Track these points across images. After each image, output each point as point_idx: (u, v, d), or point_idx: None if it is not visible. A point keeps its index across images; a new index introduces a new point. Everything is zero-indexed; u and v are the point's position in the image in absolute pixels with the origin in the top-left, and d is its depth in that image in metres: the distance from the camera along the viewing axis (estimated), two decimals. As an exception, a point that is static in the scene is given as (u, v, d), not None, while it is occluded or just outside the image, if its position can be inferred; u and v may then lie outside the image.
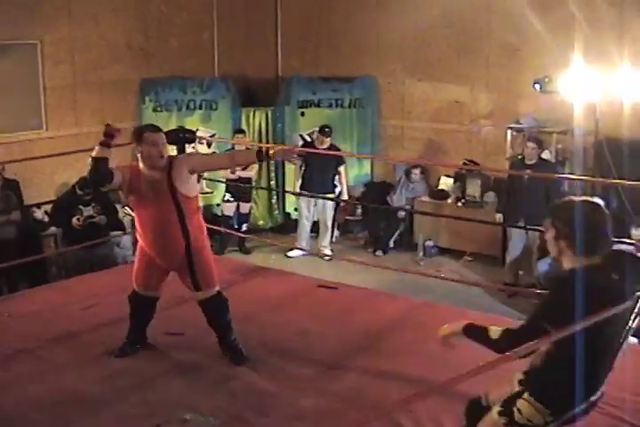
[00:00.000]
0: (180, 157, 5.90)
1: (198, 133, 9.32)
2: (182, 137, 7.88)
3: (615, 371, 3.81)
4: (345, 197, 11.20)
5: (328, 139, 10.97)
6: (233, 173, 11.03)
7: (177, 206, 5.54)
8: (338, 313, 6.59)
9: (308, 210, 11.20)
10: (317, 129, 11.26)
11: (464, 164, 10.80)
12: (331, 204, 11.14)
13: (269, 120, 12.35)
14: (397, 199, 11.44)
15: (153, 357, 5.87)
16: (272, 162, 12.26)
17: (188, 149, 8.92)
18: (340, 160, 11.06)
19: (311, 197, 10.89)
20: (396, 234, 11.46)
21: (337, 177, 11.16)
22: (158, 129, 5.68)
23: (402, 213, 11.37)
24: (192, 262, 5.63)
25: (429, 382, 5.23)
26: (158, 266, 5.80)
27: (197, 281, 5.67)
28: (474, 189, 10.85)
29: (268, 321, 6.53)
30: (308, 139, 11.87)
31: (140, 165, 5.59)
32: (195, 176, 5.77)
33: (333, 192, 11.17)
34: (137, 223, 5.78)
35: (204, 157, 6.69)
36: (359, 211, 12.02)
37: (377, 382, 5.21)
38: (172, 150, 8.77)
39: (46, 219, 9.93)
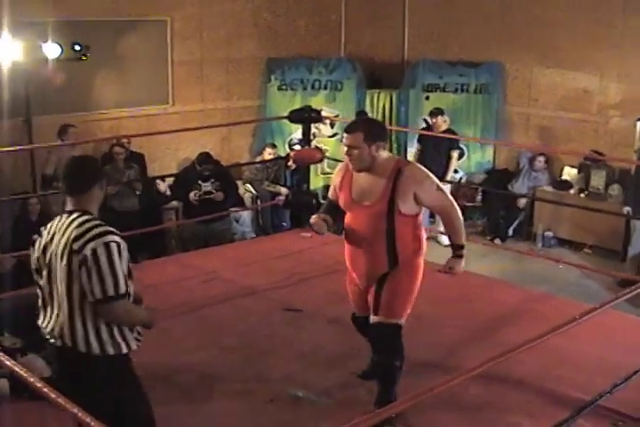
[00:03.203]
0: (412, 172, 4.57)
1: (322, 113, 9.32)
2: (307, 117, 7.89)
3: None
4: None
5: (439, 118, 10.80)
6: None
7: (389, 223, 4.55)
8: (455, 299, 6.52)
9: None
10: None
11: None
12: (447, 188, 10.95)
13: (393, 103, 12.29)
14: (519, 188, 11.26)
15: (269, 333, 5.91)
16: (395, 146, 12.19)
17: (313, 128, 8.95)
18: (452, 144, 10.87)
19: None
20: (516, 223, 11.30)
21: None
22: (353, 129, 4.58)
23: (522, 202, 11.19)
24: (383, 285, 4.64)
25: (546, 376, 5.15)
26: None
27: (378, 305, 4.64)
28: (598, 180, 10.60)
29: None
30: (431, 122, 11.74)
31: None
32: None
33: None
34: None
35: (436, 195, 4.64)
36: (479, 197, 11.86)
37: (493, 373, 5.13)
38: (298, 129, 8.84)
39: (169, 192, 10.11)
